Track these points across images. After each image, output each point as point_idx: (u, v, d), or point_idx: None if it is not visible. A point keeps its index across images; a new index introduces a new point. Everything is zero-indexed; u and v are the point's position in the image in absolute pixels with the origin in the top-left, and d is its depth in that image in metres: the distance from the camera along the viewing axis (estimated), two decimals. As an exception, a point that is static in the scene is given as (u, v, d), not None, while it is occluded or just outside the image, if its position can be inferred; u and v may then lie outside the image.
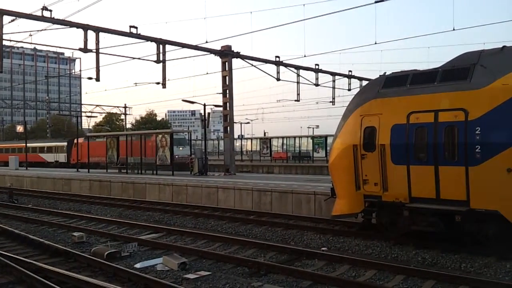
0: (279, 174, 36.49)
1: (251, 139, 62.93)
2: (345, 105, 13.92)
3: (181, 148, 36.66)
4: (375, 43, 23.82)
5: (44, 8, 19.62)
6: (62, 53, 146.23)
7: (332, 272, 8.79)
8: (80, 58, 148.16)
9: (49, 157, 49.73)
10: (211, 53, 26.61)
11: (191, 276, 8.40)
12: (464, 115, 9.32)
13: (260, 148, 51.21)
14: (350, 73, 35.35)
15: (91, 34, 20.88)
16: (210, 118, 35.61)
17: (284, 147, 50.47)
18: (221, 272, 8.74)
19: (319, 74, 32.84)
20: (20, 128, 69.25)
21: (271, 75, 29.53)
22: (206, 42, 24.70)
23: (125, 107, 64.50)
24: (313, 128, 72.90)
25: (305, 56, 35.62)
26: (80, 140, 39.73)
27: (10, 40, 23.90)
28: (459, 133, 9.38)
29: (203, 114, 31.05)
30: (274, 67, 29.63)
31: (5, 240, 11.99)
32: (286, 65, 30.19)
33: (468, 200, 9.24)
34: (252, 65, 28.35)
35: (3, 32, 19.01)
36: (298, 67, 31.26)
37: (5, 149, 55.21)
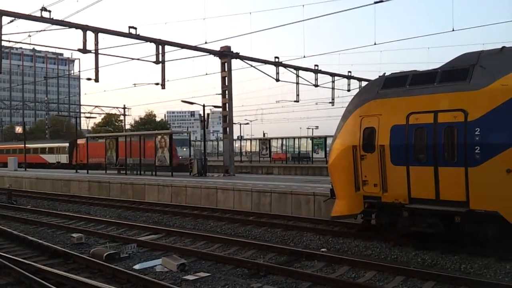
0: (279, 175, 36.49)
1: (251, 140, 62.95)
2: (344, 105, 13.95)
3: (184, 149, 36.67)
4: (375, 44, 23.71)
5: (43, 9, 19.61)
6: (61, 54, 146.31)
7: (331, 273, 8.78)
8: (79, 59, 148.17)
9: (50, 158, 49.46)
10: (210, 53, 26.60)
11: (190, 277, 8.39)
12: (463, 116, 9.31)
13: (259, 149, 51.19)
14: (349, 73, 35.35)
15: (90, 35, 20.87)
16: (210, 119, 35.63)
17: (284, 148, 50.47)
18: (220, 273, 8.73)
19: (319, 74, 32.85)
20: (19, 129, 69.23)
21: (270, 76, 29.54)
22: (206, 42, 24.72)
23: (124, 108, 64.54)
24: (312, 129, 72.97)
25: (304, 56, 35.74)
26: (83, 141, 39.46)
27: (9, 41, 23.97)
28: (459, 134, 9.38)
29: (202, 115, 30.99)
30: (273, 67, 29.64)
31: (4, 241, 11.96)
32: (285, 66, 30.20)
33: (468, 201, 9.23)
34: (252, 65, 28.35)
35: (2, 32, 18.99)
36: (297, 68, 31.26)
37: (5, 150, 54.97)
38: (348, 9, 29.48)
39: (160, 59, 23.27)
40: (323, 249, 10.75)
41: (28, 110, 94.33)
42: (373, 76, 36.71)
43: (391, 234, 10.82)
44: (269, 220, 14.44)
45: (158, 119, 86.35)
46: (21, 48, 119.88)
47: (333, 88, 34.96)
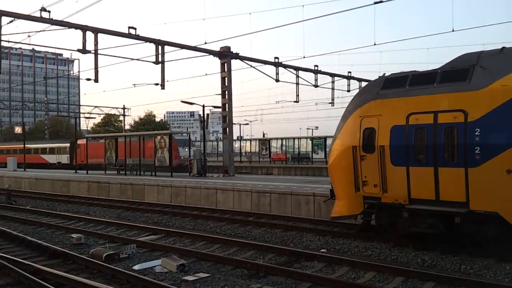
0: (278, 175, 36.47)
1: (250, 140, 62.95)
2: (344, 106, 13.94)
3: (186, 149, 36.67)
4: (374, 44, 23.65)
5: (43, 9, 19.60)
6: (61, 54, 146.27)
7: (331, 274, 8.76)
8: (78, 59, 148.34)
9: (51, 158, 49.20)
10: (210, 54, 26.59)
11: (190, 278, 8.37)
12: (463, 116, 9.31)
13: (259, 149, 51.18)
14: (349, 74, 35.37)
15: (89, 35, 20.86)
16: (209, 119, 35.62)
17: (283, 148, 50.47)
18: (220, 274, 8.71)
19: (318, 75, 32.86)
20: (18, 129, 69.14)
21: (270, 76, 29.54)
22: (205, 43, 24.72)
23: (123, 108, 64.53)
24: (312, 129, 73.00)
25: (304, 57, 35.72)
26: (84, 141, 39.10)
27: (9, 41, 23.94)
28: (459, 134, 9.37)
29: (202, 115, 30.99)
30: (273, 68, 29.65)
31: (3, 241, 11.94)
32: (285, 66, 30.20)
33: (468, 202, 9.23)
34: (251, 66, 28.35)
35: (2, 33, 18.98)
36: (297, 68, 31.27)
37: (5, 150, 54.75)
38: (348, 10, 29.46)
39: (160, 60, 23.26)
40: (323, 250, 10.74)
41: (27, 110, 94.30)
42: (373, 77, 36.71)
43: (391, 234, 10.81)
44: (268, 220, 14.42)
45: (157, 119, 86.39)
46: (20, 48, 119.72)
47: (333, 89, 34.98)
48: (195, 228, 14.30)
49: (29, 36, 21.09)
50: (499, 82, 9.09)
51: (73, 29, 20.68)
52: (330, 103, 36.80)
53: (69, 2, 20.79)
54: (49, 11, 19.80)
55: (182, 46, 25.21)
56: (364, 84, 32.76)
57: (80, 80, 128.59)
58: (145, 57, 23.81)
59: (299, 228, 12.97)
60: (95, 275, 8.69)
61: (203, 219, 15.31)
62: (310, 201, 14.94)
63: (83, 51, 20.63)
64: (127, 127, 73.83)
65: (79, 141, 40.94)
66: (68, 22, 20.63)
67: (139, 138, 29.86)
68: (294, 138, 51.25)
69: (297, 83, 31.82)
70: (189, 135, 40.20)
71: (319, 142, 46.09)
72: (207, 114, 31.32)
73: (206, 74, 32.76)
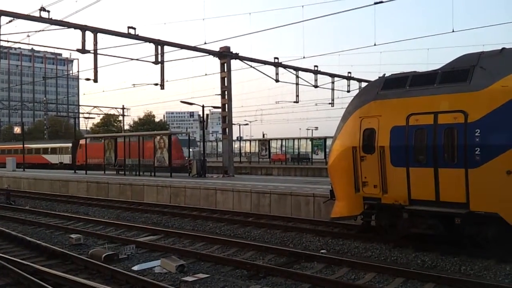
0: (278, 176, 36.45)
1: (250, 140, 62.90)
2: (344, 106, 13.90)
3: (191, 150, 36.67)
4: (374, 45, 23.63)
5: (42, 9, 19.59)
6: (60, 54, 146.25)
7: (331, 275, 8.74)
8: (78, 59, 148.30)
9: (53, 159, 48.88)
10: (209, 54, 26.58)
11: (189, 278, 8.34)
12: (463, 117, 9.30)
13: (258, 149, 51.17)
14: (349, 74, 35.38)
15: (89, 35, 20.86)
16: (209, 120, 35.59)
17: (283, 148, 50.43)
18: (219, 275, 8.69)
19: (318, 75, 32.87)
20: (17, 129, 69.06)
21: (270, 77, 29.55)
22: (205, 43, 24.71)
23: (123, 108, 64.44)
24: (312, 129, 73.04)
25: (304, 57, 35.63)
26: (87, 141, 38.68)
27: (8, 41, 23.88)
28: (459, 135, 9.36)
29: (201, 115, 30.98)
30: (273, 68, 29.65)
31: (2, 242, 11.91)
32: (285, 67, 30.20)
33: (468, 203, 9.21)
34: (251, 66, 28.34)
35: (1, 32, 18.96)
36: (297, 69, 31.27)
37: (6, 150, 54.48)
38: (348, 10, 29.40)
39: (159, 60, 23.25)
40: (322, 251, 10.72)
41: (26, 110, 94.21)
42: (373, 77, 36.82)
43: (391, 235, 10.79)
44: (268, 221, 14.40)
45: (157, 119, 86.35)
46: (19, 48, 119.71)
47: (332, 89, 35.00)
48: (194, 228, 14.28)
49: (28, 36, 21.08)
50: (499, 83, 9.08)
51: (73, 29, 20.67)
52: (330, 103, 36.83)
53: (69, 2, 20.78)
54: (48, 11, 19.80)
55: (182, 46, 25.20)
56: (364, 84, 32.79)
57: (79, 80, 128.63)
58: (145, 57, 23.84)
59: (299, 228, 12.95)
60: (94, 276, 8.66)
61: (202, 220, 15.29)
62: (310, 201, 14.92)
63: (83, 51, 20.62)
64: (126, 127, 73.84)
65: (82, 141, 40.66)
66: (68, 22, 20.62)
67: (138, 138, 29.83)
68: (293, 139, 51.21)
69: (297, 84, 31.83)
70: (189, 135, 40.21)
71: (319, 143, 46.06)
72: (207, 115, 31.31)
73: (205, 74, 32.83)
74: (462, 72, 9.74)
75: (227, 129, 27.47)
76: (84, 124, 79.40)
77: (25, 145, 44.98)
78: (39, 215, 17.36)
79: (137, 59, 24.20)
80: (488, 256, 9.22)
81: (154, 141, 28.22)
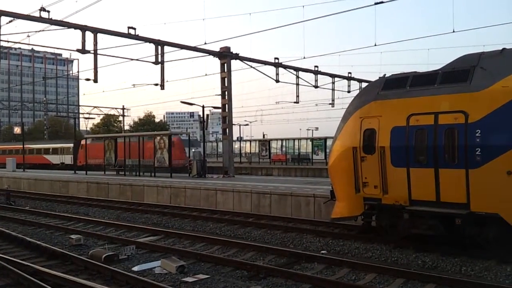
0: (278, 176, 36.42)
1: (250, 141, 62.90)
2: (344, 107, 13.92)
3: (193, 150, 36.63)
4: (375, 45, 23.64)
5: (42, 9, 19.58)
6: (60, 54, 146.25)
7: (331, 276, 8.73)
8: (78, 59, 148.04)
9: (54, 159, 48.63)
10: (209, 54, 26.57)
11: (189, 279, 8.34)
12: (464, 118, 9.28)
13: (259, 150, 51.16)
14: (349, 75, 35.38)
15: (89, 35, 20.85)
16: (209, 120, 35.64)
17: (283, 149, 50.42)
18: (219, 276, 8.68)
19: (319, 76, 32.87)
20: (17, 130, 69.05)
21: (270, 77, 29.54)
22: (205, 43, 24.70)
23: (123, 109, 64.44)
24: (312, 130, 73.00)
25: (304, 57, 35.66)
26: (88, 141, 38.32)
27: (8, 41, 23.86)
28: (459, 135, 9.35)
29: (201, 115, 30.98)
30: (273, 68, 29.64)
31: (2, 242, 11.89)
32: (285, 67, 30.20)
33: (469, 203, 9.20)
34: (251, 66, 28.33)
35: (1, 33, 18.96)
36: (297, 69, 31.27)
37: (7, 150, 54.23)
38: (348, 10, 29.45)
39: (159, 60, 23.24)
40: (323, 251, 10.70)
41: (26, 110, 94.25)
42: (373, 77, 36.75)
43: (392, 236, 10.78)
44: (268, 221, 14.39)
45: (157, 120, 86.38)
46: (19, 48, 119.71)
47: (333, 89, 34.99)
48: (194, 229, 14.27)
49: (28, 36, 21.07)
50: (500, 83, 9.07)
51: (73, 29, 20.67)
52: (330, 103, 36.83)
53: (69, 2, 20.79)
54: (48, 11, 19.79)
55: (182, 46, 25.20)
56: (364, 85, 32.78)
57: (79, 80, 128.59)
58: (145, 57, 23.83)
59: (299, 229, 12.93)
60: (94, 276, 8.65)
61: (202, 220, 15.28)
62: (310, 202, 14.91)
63: (83, 51, 20.61)
64: (126, 127, 73.82)
65: (83, 142, 40.35)
66: (68, 22, 20.61)
67: (138, 138, 29.81)
68: (294, 139, 51.21)
69: (297, 84, 31.83)
70: (189, 136, 40.21)
71: (319, 143, 46.06)
72: (207, 115, 31.31)
73: (206, 75, 32.82)
74: (462, 73, 9.73)
75: (227, 129, 27.46)
76: (84, 125, 79.43)
77: (26, 146, 44.85)
78: (39, 216, 17.35)
79: (137, 59, 24.21)
80: (489, 257, 9.20)
81: (154, 141, 28.21)
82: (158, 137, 28.32)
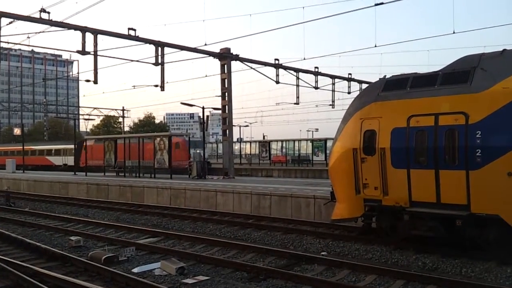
0: (278, 177, 36.42)
1: (250, 142, 62.90)
2: (344, 108, 13.91)
3: (198, 151, 36.61)
4: (375, 46, 23.52)
5: (42, 10, 19.61)
6: (60, 55, 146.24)
7: (331, 277, 8.72)
8: (78, 61, 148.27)
9: (57, 160, 48.20)
10: (210, 55, 26.59)
11: (189, 281, 8.33)
12: (464, 119, 9.27)
13: (259, 151, 51.15)
14: (349, 76, 35.40)
15: (89, 36, 20.86)
16: (209, 121, 35.67)
17: (283, 150, 50.42)
18: (219, 277, 8.66)
19: (319, 77, 32.89)
20: (17, 131, 69.06)
21: (270, 78, 29.56)
22: (205, 44, 24.71)
23: (123, 110, 64.41)
24: (312, 131, 73.09)
25: (304, 59, 35.78)
26: (91, 142, 37.15)
27: (8, 42, 23.87)
28: (460, 136, 9.33)
29: (201, 117, 31.00)
30: (273, 70, 29.65)
31: (2, 244, 11.88)
32: (285, 68, 30.21)
33: (469, 204, 9.18)
34: (251, 67, 28.35)
35: (1, 34, 18.96)
36: (297, 70, 31.27)
37: (9, 151, 53.91)
38: (348, 11, 29.55)
39: (160, 61, 23.26)
40: (323, 253, 10.69)
41: (26, 111, 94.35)
42: (373, 79, 36.72)
43: (392, 237, 10.76)
44: (268, 223, 14.37)
45: (157, 121, 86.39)
46: (20, 49, 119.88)
47: (333, 91, 35.00)
48: (194, 230, 14.25)
49: (28, 37, 21.11)
50: (500, 85, 9.06)
51: (73, 30, 20.68)
52: (330, 105, 36.84)
53: (69, 3, 20.85)
54: (48, 12, 19.82)
55: (182, 48, 25.20)
56: (364, 86, 32.79)
57: (79, 82, 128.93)
58: (145, 58, 23.84)
59: (299, 230, 12.91)
60: (94, 278, 8.64)
61: (202, 222, 15.26)
62: (311, 203, 14.89)
63: (83, 52, 20.62)
64: (126, 128, 73.80)
65: (86, 142, 40.01)
66: (68, 23, 20.62)
67: (138, 140, 29.79)
68: (294, 140, 51.21)
69: (297, 85, 31.82)
70: (189, 137, 40.18)
71: (320, 144, 46.06)
72: (207, 116, 31.35)
73: (206, 76, 32.98)
74: (463, 74, 9.72)
75: (227, 130, 27.46)
76: (84, 126, 79.41)
77: (28, 147, 44.64)
78: (38, 217, 17.34)
79: (137, 61, 24.21)
80: (489, 258, 9.18)
81: (154, 142, 28.20)
82: (158, 138, 28.31)
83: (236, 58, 27.14)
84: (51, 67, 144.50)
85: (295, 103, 33.68)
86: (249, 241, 12.30)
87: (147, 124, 78.76)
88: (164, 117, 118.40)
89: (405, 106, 10.25)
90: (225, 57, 26.66)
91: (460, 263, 9.24)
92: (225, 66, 26.84)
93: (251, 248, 10.95)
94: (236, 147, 51.65)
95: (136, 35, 22.45)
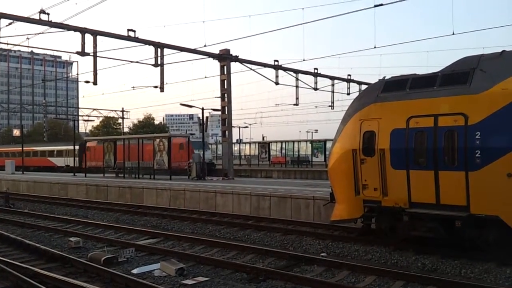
0: (278, 178, 36.44)
1: (250, 143, 62.93)
2: (344, 109, 13.93)
3: (198, 152, 36.53)
4: (374, 47, 23.45)
5: (42, 11, 19.61)
6: (59, 57, 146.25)
7: (331, 278, 8.72)
8: (77, 62, 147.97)
9: (59, 161, 47.88)
10: (209, 56, 26.61)
11: (189, 282, 8.32)
12: (463, 120, 9.28)
13: (258, 152, 51.15)
14: (349, 77, 35.41)
15: (88, 38, 20.88)
16: (208, 122, 35.65)
17: (283, 151, 50.44)
18: (219, 278, 8.66)
19: (318, 78, 32.92)
20: (16, 132, 69.03)
21: (269, 79, 29.56)
22: (205, 45, 24.87)
23: (122, 111, 64.46)
24: (312, 132, 73.19)
25: (304, 60, 35.80)
26: (93, 143, 36.51)
27: (7, 43, 23.89)
28: (459, 137, 9.34)
29: (201, 118, 30.99)
30: (272, 71, 29.67)
31: (1, 245, 11.87)
32: (285, 69, 30.22)
33: (468, 205, 9.18)
34: (251, 69, 28.36)
35: (1, 35, 18.99)
36: (297, 71, 31.28)
37: (10, 153, 53.69)
38: (348, 13, 29.52)
39: (159, 62, 23.27)
40: (322, 254, 10.69)
41: (26, 113, 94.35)
42: (372, 80, 36.81)
43: (391, 238, 10.76)
44: (268, 224, 14.37)
45: (156, 122, 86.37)
46: (19, 50, 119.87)
47: (332, 92, 35.04)
48: (194, 231, 14.24)
49: (28, 38, 21.20)
50: (499, 86, 9.06)
51: (72, 32, 20.69)
52: (330, 106, 36.86)
53: (68, 5, 20.92)
54: (48, 14, 19.82)
55: (182, 49, 25.22)
56: (364, 87, 32.81)
57: (79, 83, 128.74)
58: (144, 59, 23.84)
59: (298, 231, 12.91)
60: (93, 279, 8.63)
61: (202, 223, 15.25)
62: (310, 204, 14.89)
63: (82, 53, 20.63)
64: (126, 129, 73.80)
65: (89, 144, 39.71)
66: (67, 25, 20.63)
67: (138, 141, 29.78)
68: (293, 141, 51.24)
69: (297, 86, 31.84)
70: (189, 138, 40.16)
71: (319, 145, 46.11)
72: (206, 117, 31.36)
73: (205, 77, 32.89)
74: (462, 75, 9.73)
75: (226, 131, 27.47)
76: (84, 127, 79.39)
77: (30, 148, 44.45)
78: (38, 218, 17.32)
79: (136, 62, 24.25)
80: (489, 259, 9.19)
81: (153, 143, 28.19)
82: (158, 139, 28.30)
83: (236, 59, 27.16)
84: (51, 68, 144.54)
85: (294, 104, 33.69)
86: (249, 242, 12.29)
87: (146, 125, 78.72)
88: (163, 118, 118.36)
89: (405, 107, 10.25)
90: (225, 58, 26.68)
91: (459, 264, 9.25)
92: (225, 67, 26.85)
93: (251, 249, 10.94)
94: (235, 148, 51.68)
95: (136, 36, 22.46)
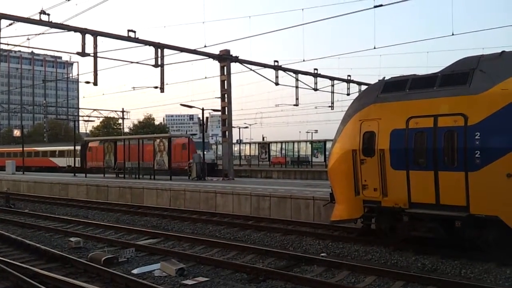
0: (278, 179, 36.44)
1: (250, 143, 62.94)
2: (344, 109, 13.95)
3: (205, 152, 36.53)
4: (374, 48, 23.49)
5: (42, 12, 19.64)
6: (60, 57, 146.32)
7: (331, 278, 8.73)
8: (77, 62, 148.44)
9: (61, 162, 47.78)
10: (209, 57, 26.63)
11: (189, 282, 8.34)
12: (463, 120, 9.29)
13: (258, 152, 51.16)
14: (349, 77, 35.44)
15: (89, 38, 20.90)
16: (209, 123, 35.74)
17: (283, 151, 50.44)
18: (219, 278, 8.67)
19: (318, 78, 32.95)
20: (17, 132, 69.06)
21: (269, 80, 29.60)
22: (205, 46, 24.85)
23: (122, 111, 64.48)
24: (312, 132, 73.22)
25: (304, 60, 35.61)
26: (96, 143, 36.51)
27: (8, 44, 23.86)
28: (459, 138, 9.35)
29: (201, 118, 31.01)
30: (272, 71, 29.70)
31: (2, 245, 11.88)
32: (284, 70, 30.25)
33: (468, 206, 9.19)
34: (251, 69, 28.38)
35: (1, 36, 19.00)
36: (297, 72, 31.31)
37: (12, 153, 53.69)
38: (348, 13, 29.53)
39: (159, 63, 23.30)
40: (322, 254, 10.70)
41: (26, 113, 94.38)
42: (372, 80, 36.85)
43: (391, 238, 10.77)
44: (268, 224, 14.38)
45: (157, 122, 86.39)
46: (19, 51, 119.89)
47: (332, 92, 35.07)
48: (194, 232, 14.26)
49: (28, 39, 21.23)
50: (499, 86, 9.08)
51: (72, 32, 20.71)
52: (329, 106, 36.89)
53: (69, 5, 20.94)
54: (48, 14, 19.87)
55: (182, 49, 25.24)
56: (363, 87, 32.86)
57: (79, 83, 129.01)
58: (145, 60, 23.89)
59: (298, 232, 12.92)
60: (93, 279, 8.64)
61: (202, 223, 15.27)
62: (310, 205, 14.90)
63: (82, 54, 20.66)
64: (126, 130, 73.83)
65: (91, 144, 39.57)
66: (68, 25, 20.66)
67: (138, 141, 29.80)
68: (293, 142, 51.23)
69: (297, 87, 31.87)
70: (189, 138, 40.19)
71: (319, 146, 46.12)
72: (207, 118, 31.37)
73: (205, 77, 32.91)
74: (462, 75, 9.74)
75: (227, 132, 27.49)
76: (84, 127, 79.52)
77: (32, 148, 44.38)
78: (38, 218, 17.34)
79: (137, 62, 24.29)
80: (489, 259, 9.20)
81: (154, 144, 28.21)
82: (158, 140, 28.32)
83: (236, 59, 27.18)
84: (51, 69, 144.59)
85: (294, 105, 33.72)
86: (249, 242, 12.31)
87: (146, 126, 78.75)
88: (163, 118, 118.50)
89: (404, 107, 10.27)
90: (225, 58, 26.71)
91: (459, 264, 9.26)
92: (225, 67, 26.88)
93: (251, 249, 10.95)
94: (235, 149, 51.67)
95: (136, 36, 22.49)
